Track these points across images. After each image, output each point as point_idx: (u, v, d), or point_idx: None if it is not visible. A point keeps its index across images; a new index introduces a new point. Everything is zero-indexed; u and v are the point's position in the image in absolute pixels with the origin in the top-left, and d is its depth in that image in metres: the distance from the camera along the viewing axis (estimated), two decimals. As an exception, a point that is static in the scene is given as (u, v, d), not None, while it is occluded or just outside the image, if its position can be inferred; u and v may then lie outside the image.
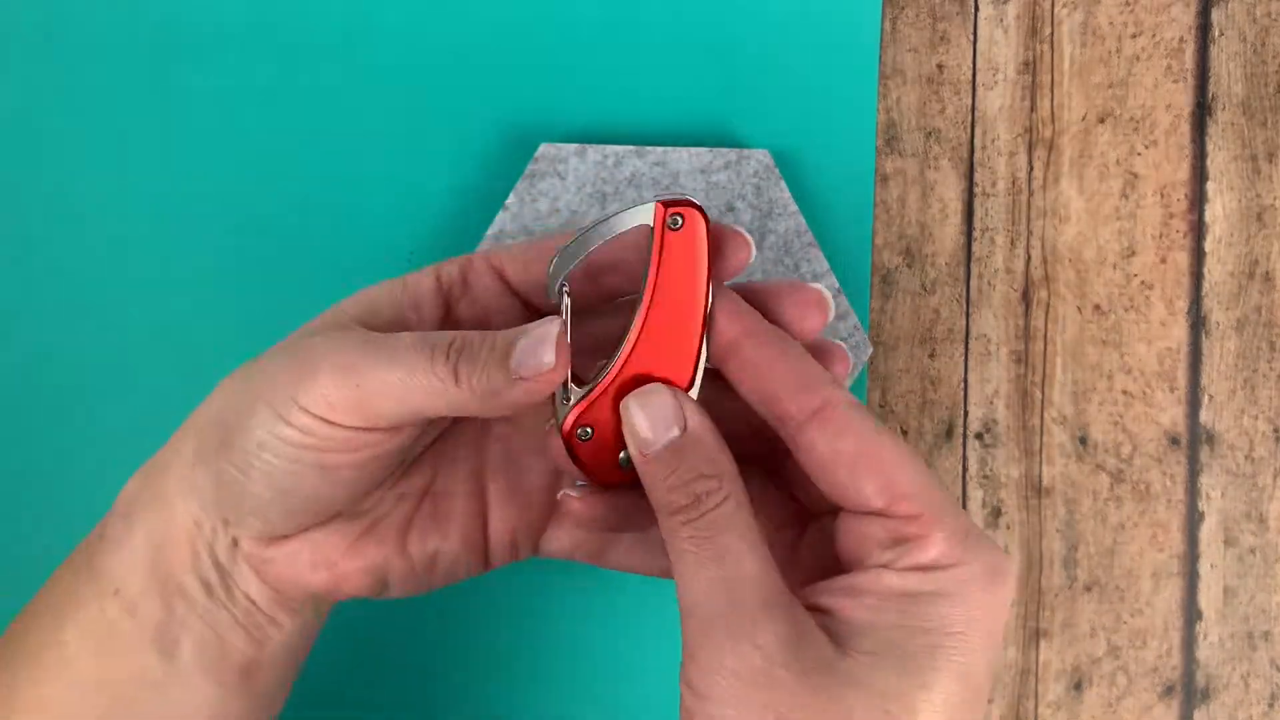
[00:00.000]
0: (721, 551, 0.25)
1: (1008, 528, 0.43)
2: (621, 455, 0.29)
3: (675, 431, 0.27)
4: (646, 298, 0.28)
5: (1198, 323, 0.43)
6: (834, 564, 0.27)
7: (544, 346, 0.27)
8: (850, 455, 0.25)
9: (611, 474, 0.29)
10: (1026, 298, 0.43)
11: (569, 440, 0.29)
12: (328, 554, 0.30)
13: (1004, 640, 0.25)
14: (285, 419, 0.28)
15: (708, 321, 0.28)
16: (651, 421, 0.27)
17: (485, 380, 0.27)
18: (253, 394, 0.29)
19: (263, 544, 0.30)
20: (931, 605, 0.24)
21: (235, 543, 0.30)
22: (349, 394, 0.27)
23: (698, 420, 0.27)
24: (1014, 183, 0.43)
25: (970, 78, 0.43)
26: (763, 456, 0.31)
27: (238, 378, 0.30)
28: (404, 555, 0.31)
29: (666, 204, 0.28)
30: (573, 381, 0.29)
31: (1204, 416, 0.43)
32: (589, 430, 0.29)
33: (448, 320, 0.32)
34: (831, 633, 0.25)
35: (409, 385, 0.27)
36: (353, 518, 0.31)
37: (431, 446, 0.33)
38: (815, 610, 0.25)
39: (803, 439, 0.26)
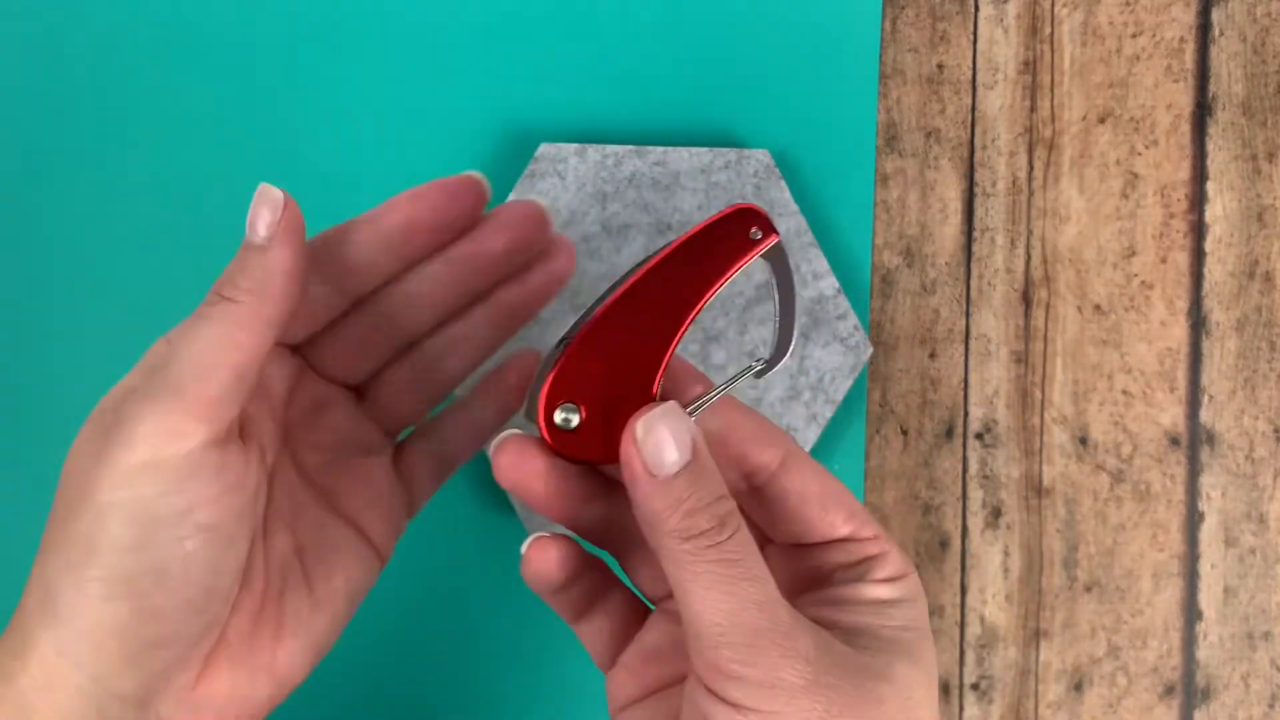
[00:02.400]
0: (754, 574, 0.25)
1: (1008, 528, 0.43)
2: (558, 416, 0.27)
3: (689, 455, 0.26)
4: (659, 259, 0.27)
5: (1198, 323, 0.43)
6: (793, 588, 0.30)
7: (266, 207, 0.29)
8: (818, 494, 0.28)
9: (598, 451, 0.28)
10: (1027, 298, 0.43)
11: (550, 425, 0.27)
12: (259, 663, 0.29)
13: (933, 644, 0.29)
14: (163, 487, 0.26)
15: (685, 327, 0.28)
16: (672, 443, 0.26)
17: (246, 273, 0.29)
18: (85, 485, 0.27)
19: (184, 693, 0.28)
20: (904, 609, 0.28)
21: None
22: (185, 407, 0.27)
23: (705, 448, 0.27)
24: (1014, 183, 0.43)
25: (970, 78, 0.43)
26: None
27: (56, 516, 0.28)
28: (323, 608, 0.30)
29: (750, 212, 0.28)
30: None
31: (1204, 416, 0.43)
32: (572, 415, 0.27)
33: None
34: (835, 634, 0.27)
35: (210, 342, 0.28)
36: (251, 611, 0.29)
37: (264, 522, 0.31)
38: (811, 620, 0.27)
39: (775, 486, 0.29)
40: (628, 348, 0.28)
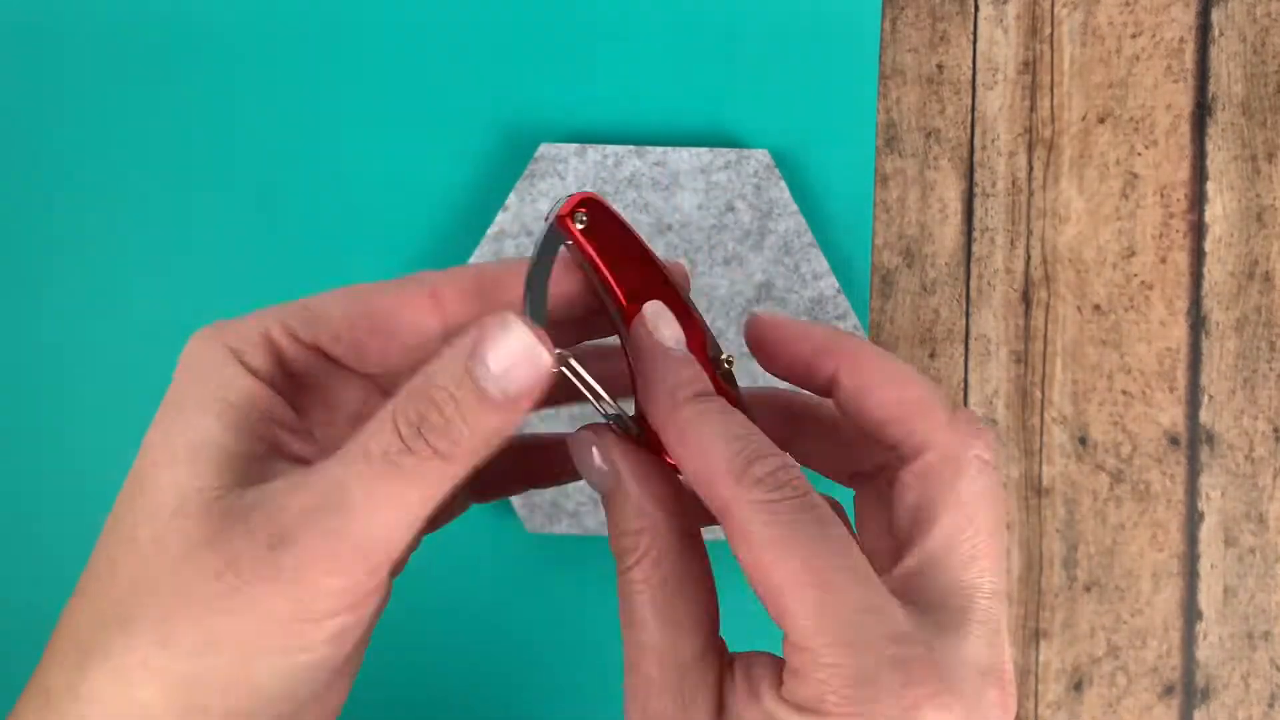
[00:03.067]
0: (838, 546, 0.23)
1: (1008, 528, 0.43)
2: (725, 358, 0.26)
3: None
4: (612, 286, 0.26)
5: (1197, 323, 0.43)
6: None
7: (515, 341, 0.23)
8: (877, 391, 0.26)
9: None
10: (1026, 298, 0.43)
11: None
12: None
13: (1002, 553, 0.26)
14: (303, 643, 0.22)
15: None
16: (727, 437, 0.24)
17: (476, 431, 0.23)
18: (233, 651, 0.22)
19: None
20: (934, 510, 0.25)
21: None
22: (361, 570, 0.22)
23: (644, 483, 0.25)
24: (1014, 183, 0.43)
25: (970, 78, 0.43)
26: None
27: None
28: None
29: (564, 212, 0.26)
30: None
31: (1204, 416, 0.43)
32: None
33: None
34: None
35: (406, 507, 0.22)
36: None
37: None
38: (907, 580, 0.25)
39: (838, 397, 0.26)
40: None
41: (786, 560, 0.22)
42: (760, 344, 0.27)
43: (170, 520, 0.23)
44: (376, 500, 0.22)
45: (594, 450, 0.25)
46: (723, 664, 0.24)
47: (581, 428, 0.26)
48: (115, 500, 0.24)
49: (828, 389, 0.26)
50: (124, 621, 0.22)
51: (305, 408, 0.26)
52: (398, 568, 0.25)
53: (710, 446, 0.23)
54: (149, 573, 0.22)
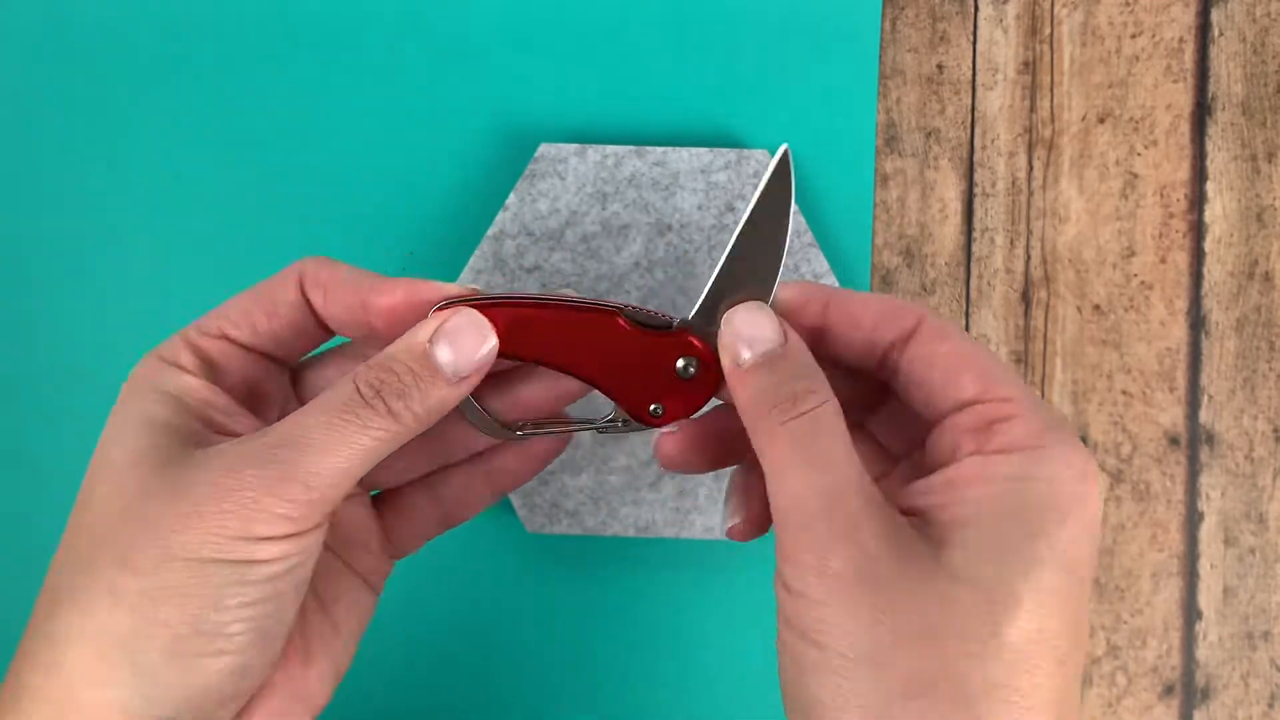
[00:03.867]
0: (820, 454, 0.25)
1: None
2: (679, 363, 0.29)
3: (775, 343, 0.27)
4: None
5: (1197, 323, 0.43)
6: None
7: (473, 333, 0.28)
8: (947, 354, 0.27)
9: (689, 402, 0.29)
10: (1026, 298, 0.43)
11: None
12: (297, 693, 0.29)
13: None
14: (251, 559, 0.25)
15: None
16: (754, 332, 0.27)
17: (424, 399, 0.27)
18: (187, 562, 0.25)
19: None
20: (1022, 494, 0.24)
21: None
22: (303, 500, 0.26)
23: (795, 336, 0.28)
24: (1014, 183, 0.43)
25: (970, 78, 0.43)
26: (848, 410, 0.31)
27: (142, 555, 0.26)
28: (340, 629, 0.31)
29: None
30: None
31: (1203, 416, 0.43)
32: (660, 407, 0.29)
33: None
34: (927, 533, 0.25)
35: (353, 453, 0.26)
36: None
37: None
38: (909, 513, 0.26)
39: (903, 357, 0.28)
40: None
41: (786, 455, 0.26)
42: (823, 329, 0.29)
43: (126, 470, 0.26)
44: (331, 441, 0.26)
45: (765, 316, 0.28)
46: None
47: (737, 306, 0.29)
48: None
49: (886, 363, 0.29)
50: (88, 562, 0.26)
51: (246, 400, 0.30)
52: (339, 524, 0.30)
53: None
54: (108, 515, 0.26)
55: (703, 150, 0.41)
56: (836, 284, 0.41)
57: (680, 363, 0.29)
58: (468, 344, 0.28)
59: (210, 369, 0.29)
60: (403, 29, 0.42)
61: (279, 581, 0.26)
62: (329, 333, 0.31)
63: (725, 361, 0.28)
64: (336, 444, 0.26)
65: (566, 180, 0.41)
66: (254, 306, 0.30)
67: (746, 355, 0.27)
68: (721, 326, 0.28)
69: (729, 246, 0.29)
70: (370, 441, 0.26)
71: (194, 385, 0.28)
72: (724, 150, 0.41)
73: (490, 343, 0.28)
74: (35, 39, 0.42)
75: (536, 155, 0.41)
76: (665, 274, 0.41)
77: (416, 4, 0.42)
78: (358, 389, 0.27)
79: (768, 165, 0.29)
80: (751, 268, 0.29)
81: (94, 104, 0.42)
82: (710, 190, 0.41)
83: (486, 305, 0.28)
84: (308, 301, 0.30)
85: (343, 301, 0.29)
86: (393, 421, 0.27)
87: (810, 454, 0.25)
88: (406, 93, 0.42)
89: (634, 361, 0.29)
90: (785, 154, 0.28)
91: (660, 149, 0.41)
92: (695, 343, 0.29)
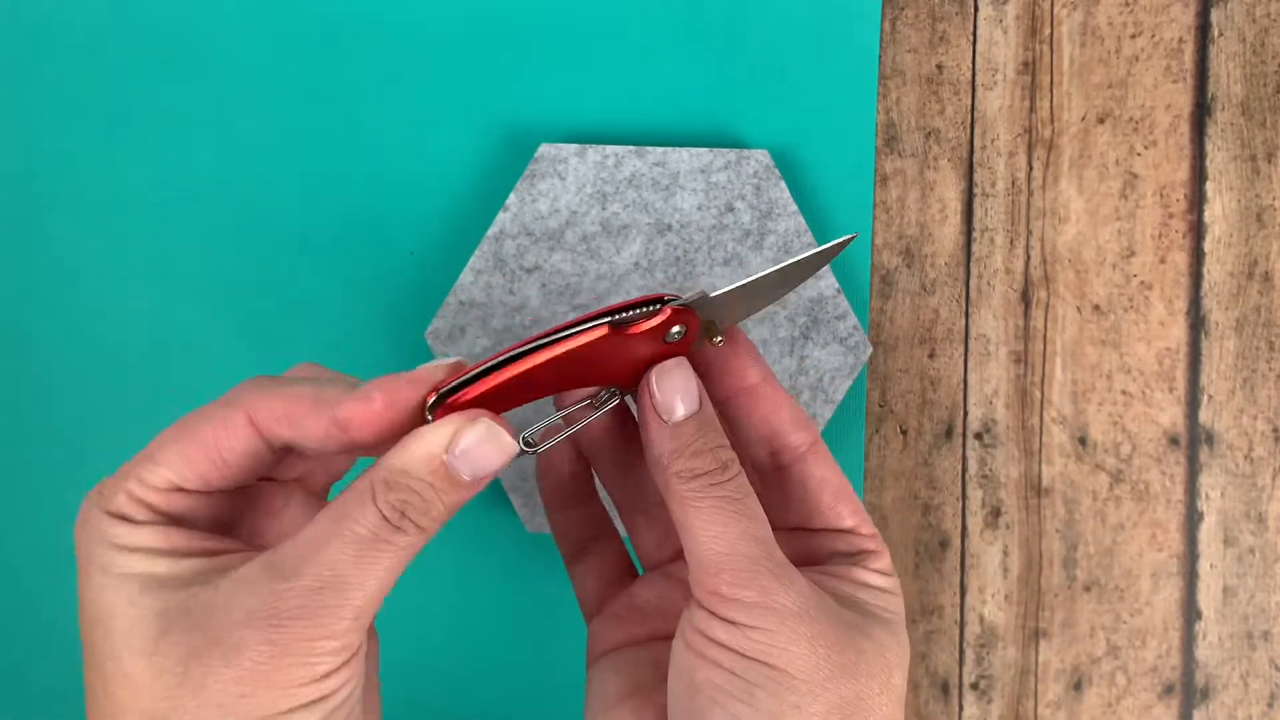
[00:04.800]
0: (752, 512, 0.28)
1: (1007, 527, 0.43)
2: (672, 330, 0.29)
3: (695, 405, 0.29)
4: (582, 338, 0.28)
5: (1197, 323, 0.43)
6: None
7: (491, 446, 0.27)
8: (834, 485, 0.31)
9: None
10: (1026, 298, 0.43)
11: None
12: None
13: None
14: (324, 695, 0.26)
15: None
16: (682, 391, 0.29)
17: (448, 506, 0.27)
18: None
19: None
20: (890, 599, 0.30)
21: None
22: (354, 628, 0.26)
23: (709, 402, 0.30)
24: (1013, 183, 0.43)
25: (970, 78, 0.43)
26: None
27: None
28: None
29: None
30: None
31: (1203, 416, 0.43)
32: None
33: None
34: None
35: (389, 572, 0.26)
36: None
37: None
38: None
39: (798, 468, 0.32)
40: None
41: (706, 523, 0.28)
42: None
43: (146, 651, 0.25)
44: (370, 572, 0.26)
45: (690, 377, 0.30)
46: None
47: (661, 365, 0.30)
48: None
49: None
50: None
51: (221, 527, 0.29)
52: None
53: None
54: (149, 707, 0.25)
55: (703, 150, 0.41)
56: (836, 284, 0.41)
57: (674, 331, 0.29)
58: (488, 456, 0.27)
59: (169, 518, 0.28)
60: (403, 30, 0.42)
61: (350, 697, 0.27)
62: (295, 454, 0.30)
63: (649, 415, 0.29)
64: (373, 572, 0.26)
65: (566, 180, 0.41)
66: (199, 457, 0.27)
67: (672, 413, 0.29)
68: (647, 384, 0.29)
69: (769, 271, 0.29)
70: (404, 556, 0.27)
71: (160, 535, 0.27)
72: (724, 150, 0.41)
73: (511, 449, 0.27)
74: (36, 38, 0.42)
75: (536, 155, 0.41)
76: (665, 274, 0.41)
77: (416, 4, 0.42)
78: (383, 515, 0.26)
79: (837, 243, 0.30)
80: (756, 297, 0.30)
81: (94, 104, 0.42)
82: (710, 190, 0.41)
83: (477, 379, 0.28)
84: (265, 440, 0.28)
85: (313, 431, 0.27)
86: (420, 535, 0.27)
87: (741, 510, 0.28)
88: (407, 93, 0.42)
89: (631, 357, 0.29)
90: (847, 242, 0.30)
91: (660, 149, 0.41)
92: (685, 317, 0.29)
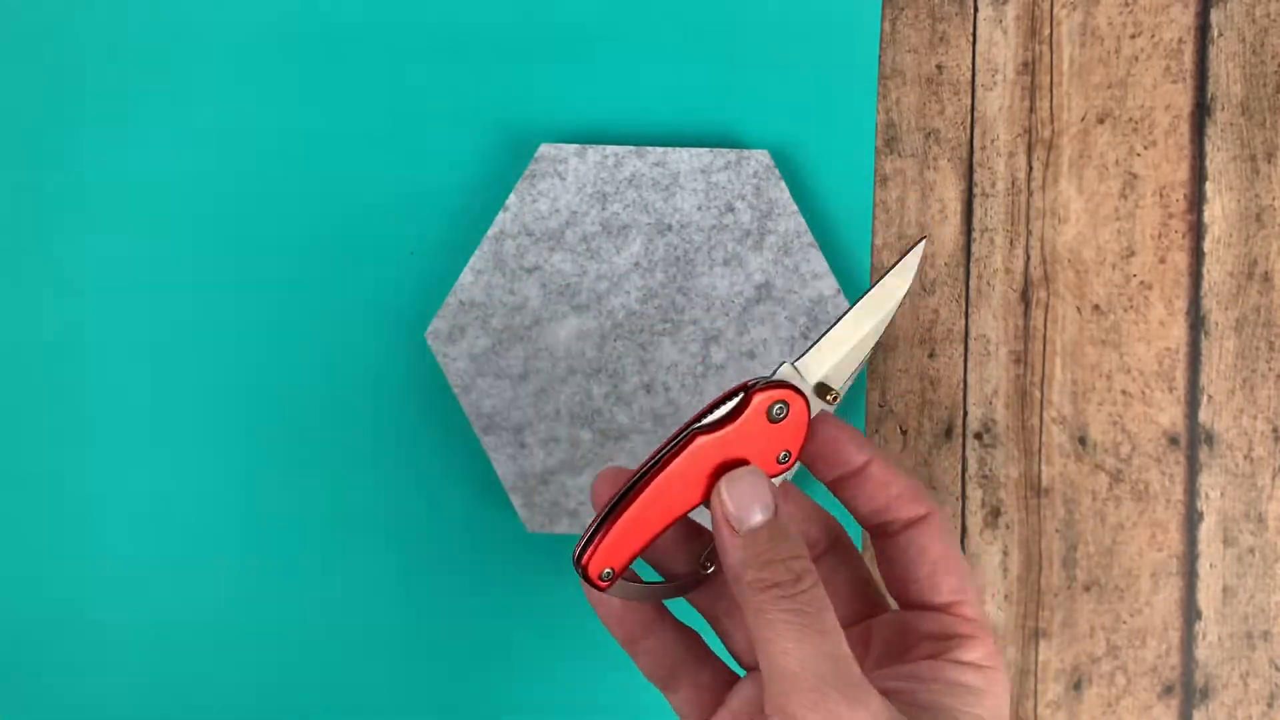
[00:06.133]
0: (825, 627, 0.27)
1: (1007, 527, 0.43)
2: (773, 409, 0.29)
3: (769, 513, 0.29)
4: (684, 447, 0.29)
5: (1197, 323, 0.43)
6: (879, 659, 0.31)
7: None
8: (936, 556, 0.30)
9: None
10: (1026, 298, 0.43)
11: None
12: None
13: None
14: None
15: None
16: (752, 499, 0.29)
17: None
18: None
19: None
20: (979, 698, 0.28)
21: None
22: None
23: (786, 508, 0.29)
24: (1013, 183, 0.43)
25: (970, 78, 0.43)
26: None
27: None
28: None
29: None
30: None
31: (1203, 416, 0.43)
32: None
33: None
34: (901, 712, 0.28)
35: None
36: None
37: None
38: (884, 693, 0.28)
39: (901, 538, 0.31)
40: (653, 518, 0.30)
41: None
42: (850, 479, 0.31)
43: None
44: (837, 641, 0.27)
45: (761, 483, 0.29)
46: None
47: (730, 474, 0.30)
48: None
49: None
50: None
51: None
52: None
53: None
54: None
55: (703, 150, 0.41)
56: (836, 284, 0.41)
57: (775, 409, 0.29)
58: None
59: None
60: (403, 29, 0.42)
61: None
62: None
63: (721, 524, 0.29)
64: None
65: (566, 180, 0.41)
66: None
67: (744, 522, 0.28)
68: (718, 494, 0.29)
69: (843, 319, 0.30)
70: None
71: None
72: (724, 150, 0.41)
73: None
74: (36, 39, 0.42)
75: (536, 155, 0.41)
76: (665, 274, 0.41)
77: (416, 4, 0.42)
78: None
79: (911, 252, 0.30)
80: (841, 351, 0.30)
81: (95, 103, 0.42)
82: (710, 190, 0.41)
83: (611, 521, 0.29)
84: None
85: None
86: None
87: (816, 625, 0.27)
88: (407, 93, 0.42)
89: (734, 453, 0.29)
90: (921, 245, 0.30)
91: (660, 149, 0.41)
92: (775, 390, 0.29)
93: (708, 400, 0.41)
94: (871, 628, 0.32)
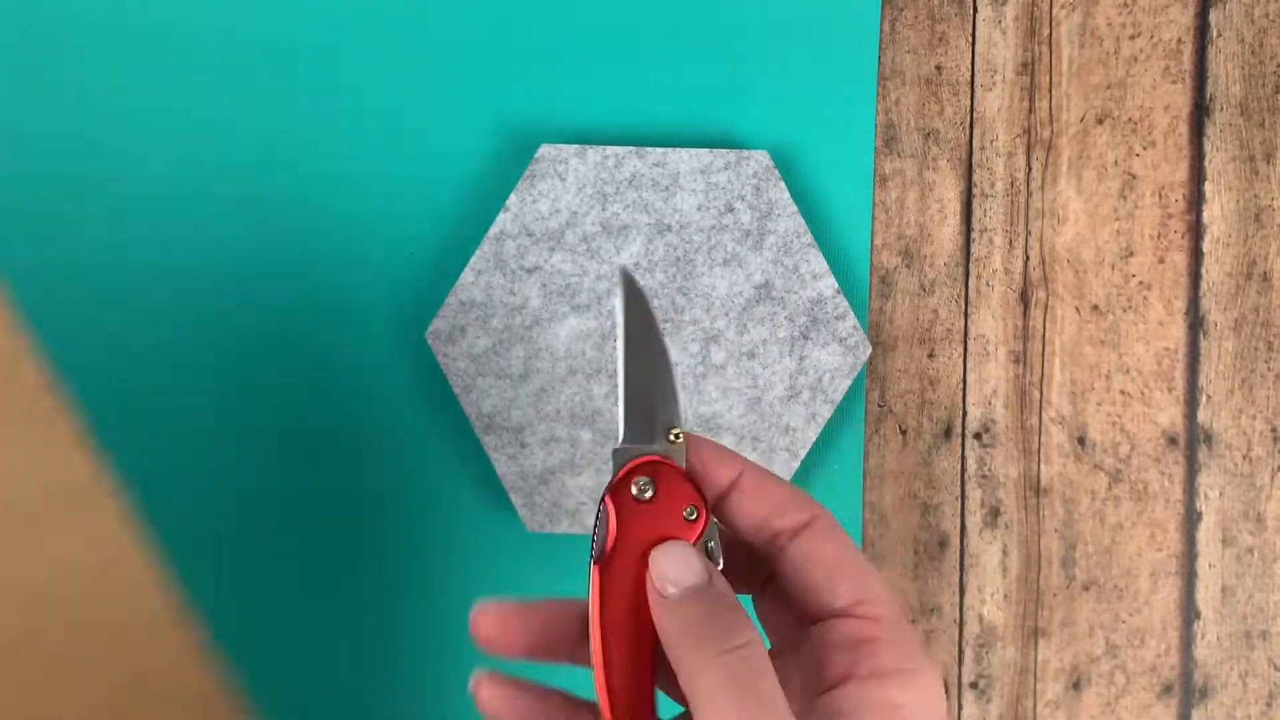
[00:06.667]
0: (754, 689, 0.26)
1: (1006, 527, 0.43)
2: (633, 491, 0.29)
3: (700, 580, 0.28)
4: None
5: (1196, 323, 0.43)
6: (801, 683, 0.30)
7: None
8: (829, 557, 0.29)
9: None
10: (1025, 298, 0.43)
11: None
12: None
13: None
14: None
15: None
16: (679, 573, 0.28)
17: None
18: None
19: None
20: (900, 711, 0.27)
21: None
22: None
23: (718, 574, 0.28)
24: (1012, 183, 0.43)
25: (969, 79, 0.43)
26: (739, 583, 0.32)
27: None
28: None
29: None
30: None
31: (1202, 416, 0.43)
32: (646, 489, 0.29)
33: None
34: None
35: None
36: None
37: None
38: None
39: (791, 550, 0.29)
40: None
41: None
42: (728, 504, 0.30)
43: None
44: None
45: (688, 551, 0.28)
46: None
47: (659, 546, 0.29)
48: None
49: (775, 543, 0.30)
50: None
51: None
52: None
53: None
54: None
55: (703, 151, 0.41)
56: (835, 284, 0.41)
57: (633, 490, 0.29)
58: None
59: None
60: (403, 29, 0.42)
61: None
62: None
63: (651, 595, 0.28)
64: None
65: (567, 181, 0.41)
66: None
67: (672, 590, 0.28)
68: (649, 564, 0.28)
69: (620, 372, 0.29)
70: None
71: None
72: (724, 150, 0.41)
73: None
74: (36, 38, 0.42)
75: (536, 156, 0.41)
76: (665, 274, 0.41)
77: (417, 4, 0.42)
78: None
79: (617, 291, 0.29)
80: (649, 386, 0.29)
81: (95, 103, 0.42)
82: (710, 191, 0.41)
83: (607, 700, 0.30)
84: None
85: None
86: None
87: (746, 688, 0.26)
88: (407, 93, 0.42)
89: (642, 552, 0.29)
90: (625, 275, 0.29)
91: (660, 150, 0.41)
92: (624, 480, 0.29)
93: (707, 400, 0.41)
94: (800, 654, 0.31)
